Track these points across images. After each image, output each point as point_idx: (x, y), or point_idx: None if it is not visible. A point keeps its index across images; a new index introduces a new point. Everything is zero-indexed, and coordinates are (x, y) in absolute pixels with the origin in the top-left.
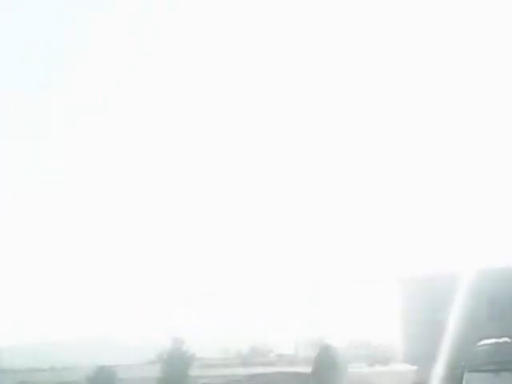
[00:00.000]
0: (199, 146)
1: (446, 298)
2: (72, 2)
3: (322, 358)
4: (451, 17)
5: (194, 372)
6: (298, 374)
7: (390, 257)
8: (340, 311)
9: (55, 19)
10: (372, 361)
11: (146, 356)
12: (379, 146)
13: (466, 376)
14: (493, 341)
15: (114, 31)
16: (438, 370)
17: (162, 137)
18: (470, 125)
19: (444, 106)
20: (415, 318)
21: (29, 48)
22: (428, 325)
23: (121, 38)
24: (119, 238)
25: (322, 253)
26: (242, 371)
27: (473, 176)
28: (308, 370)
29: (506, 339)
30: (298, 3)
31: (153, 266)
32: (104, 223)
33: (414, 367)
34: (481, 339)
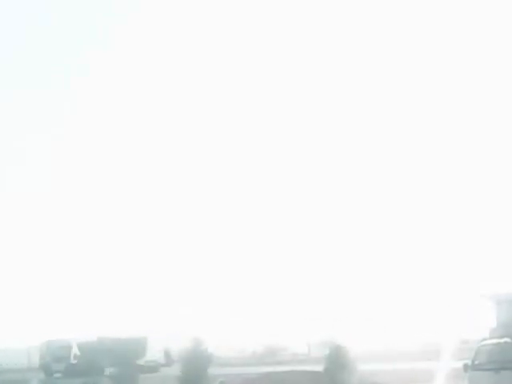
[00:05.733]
0: (198, 148)
1: None
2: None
3: (333, 357)
4: (451, 17)
5: (212, 371)
6: (310, 373)
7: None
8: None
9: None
10: None
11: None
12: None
13: (469, 374)
14: (494, 340)
15: (113, 31)
16: None
17: (160, 139)
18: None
19: (449, 110)
20: None
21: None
22: None
23: (120, 36)
24: (132, 237)
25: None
26: (258, 370)
27: None
28: (320, 368)
29: (507, 339)
30: (298, 3)
31: (170, 266)
32: (120, 224)
33: None
34: None
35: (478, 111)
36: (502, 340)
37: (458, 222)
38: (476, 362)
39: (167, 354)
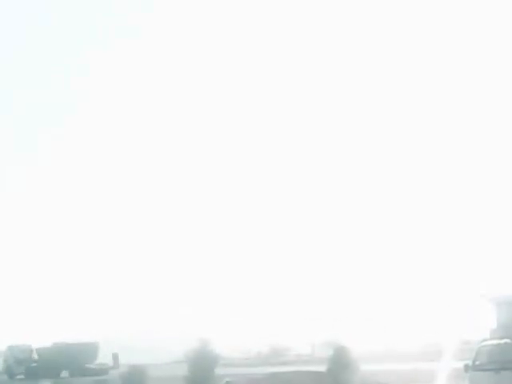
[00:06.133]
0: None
1: None
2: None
3: (336, 358)
4: (451, 17)
5: (218, 371)
6: (314, 373)
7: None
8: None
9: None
10: None
11: (173, 356)
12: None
13: (470, 374)
14: (494, 341)
15: (113, 31)
16: None
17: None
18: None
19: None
20: None
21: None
22: None
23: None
24: (138, 238)
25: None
26: (263, 370)
27: None
28: (324, 368)
29: (507, 340)
30: (298, 3)
31: (177, 268)
32: (123, 222)
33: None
34: None
35: (477, 111)
36: (502, 341)
37: (458, 223)
38: (476, 363)
39: (115, 358)
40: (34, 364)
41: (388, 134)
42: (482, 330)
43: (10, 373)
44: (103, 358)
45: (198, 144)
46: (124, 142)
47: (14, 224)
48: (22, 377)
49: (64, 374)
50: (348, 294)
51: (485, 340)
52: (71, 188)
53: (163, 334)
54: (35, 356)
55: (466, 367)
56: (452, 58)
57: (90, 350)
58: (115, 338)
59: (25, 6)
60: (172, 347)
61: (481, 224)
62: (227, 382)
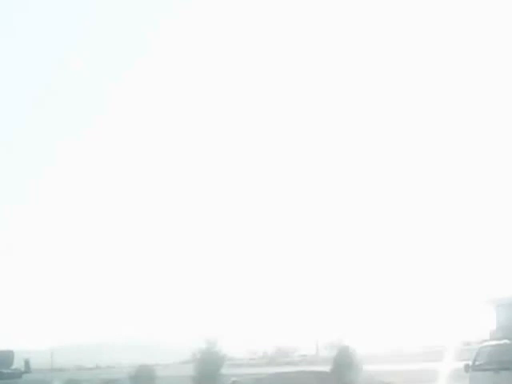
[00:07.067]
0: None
1: None
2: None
3: (340, 358)
4: (451, 17)
5: (225, 371)
6: (318, 373)
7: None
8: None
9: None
10: None
11: (176, 356)
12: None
13: (470, 374)
14: (494, 342)
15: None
16: None
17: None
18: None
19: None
20: None
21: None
22: None
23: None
24: (145, 240)
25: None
26: (268, 370)
27: None
28: (328, 368)
29: (506, 341)
30: (298, 3)
31: (182, 268)
32: (130, 224)
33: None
34: None
35: (477, 112)
36: (502, 342)
37: (458, 226)
38: (477, 363)
39: (27, 364)
40: None
41: (388, 135)
42: (481, 331)
43: None
44: (105, 360)
45: (199, 147)
46: (123, 143)
47: (15, 227)
48: None
49: None
50: (351, 295)
51: (485, 341)
52: (73, 191)
53: (166, 334)
54: None
55: (467, 367)
56: (452, 58)
57: (6, 357)
58: (117, 338)
59: (25, 6)
60: (176, 347)
61: (480, 227)
62: (234, 381)
